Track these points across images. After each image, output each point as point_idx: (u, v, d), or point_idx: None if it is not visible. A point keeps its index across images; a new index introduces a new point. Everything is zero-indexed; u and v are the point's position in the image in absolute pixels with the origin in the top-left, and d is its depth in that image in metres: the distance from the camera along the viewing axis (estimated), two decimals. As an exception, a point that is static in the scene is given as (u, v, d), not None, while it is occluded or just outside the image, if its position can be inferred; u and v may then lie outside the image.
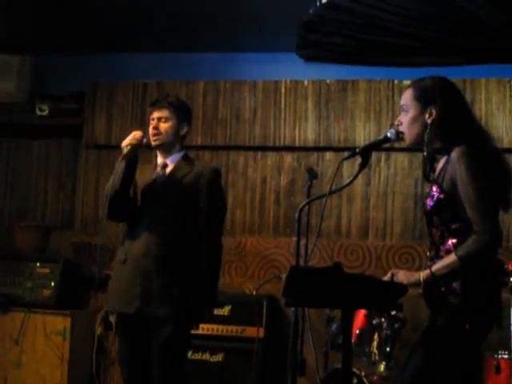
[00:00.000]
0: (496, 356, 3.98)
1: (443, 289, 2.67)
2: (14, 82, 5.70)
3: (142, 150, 3.63)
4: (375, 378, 4.09)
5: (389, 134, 2.88)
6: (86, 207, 5.75)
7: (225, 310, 5.01)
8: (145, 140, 3.57)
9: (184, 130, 3.71)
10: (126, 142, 3.52)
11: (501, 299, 2.71)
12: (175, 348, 3.51)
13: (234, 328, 4.97)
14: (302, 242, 3.58)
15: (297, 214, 3.07)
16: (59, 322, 5.10)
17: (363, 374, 4.02)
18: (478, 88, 5.18)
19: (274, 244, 5.43)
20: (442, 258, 2.71)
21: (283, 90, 5.53)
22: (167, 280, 3.48)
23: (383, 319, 4.19)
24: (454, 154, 2.68)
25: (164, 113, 3.65)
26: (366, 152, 2.87)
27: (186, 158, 3.73)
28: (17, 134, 6.00)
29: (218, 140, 5.61)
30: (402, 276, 2.73)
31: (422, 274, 2.69)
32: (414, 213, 5.28)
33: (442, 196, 2.70)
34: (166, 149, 3.68)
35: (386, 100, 5.37)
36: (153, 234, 3.52)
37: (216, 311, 4.99)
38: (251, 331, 4.93)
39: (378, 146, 2.94)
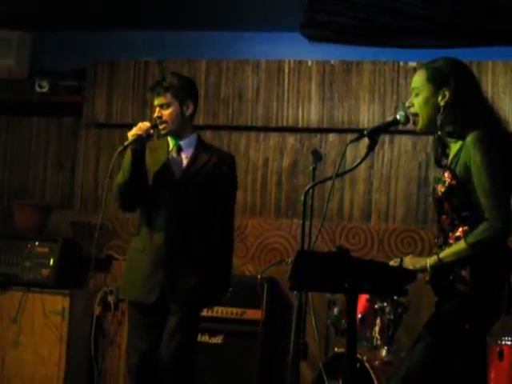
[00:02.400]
0: (499, 342, 3.94)
1: (451, 277, 2.63)
2: (14, 58, 5.63)
3: (150, 140, 3.56)
4: (377, 362, 4.06)
5: (398, 117, 2.83)
6: (86, 186, 5.69)
7: (225, 292, 4.97)
8: (151, 131, 3.49)
9: (190, 110, 3.63)
10: (132, 132, 3.45)
11: (510, 287, 2.67)
12: (186, 332, 3.49)
13: (234, 310, 4.94)
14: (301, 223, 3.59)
15: (302, 197, 3.02)
16: (58, 302, 5.07)
17: (365, 358, 3.99)
18: (484, 71, 5.10)
19: (275, 226, 5.38)
20: (450, 245, 2.67)
21: (287, 70, 5.46)
22: (187, 269, 3.47)
23: (385, 304, 4.15)
24: (469, 139, 2.63)
25: (163, 99, 3.56)
26: (373, 134, 2.82)
27: (200, 142, 3.66)
28: (16, 110, 5.94)
29: (219, 120, 5.55)
30: (409, 261, 2.69)
31: (429, 261, 2.65)
32: (417, 196, 5.23)
33: (453, 182, 2.66)
34: (177, 133, 3.61)
35: (391, 82, 5.29)
36: (173, 223, 3.48)
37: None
38: (251, 313, 4.91)
39: (386, 128, 2.89)
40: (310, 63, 5.43)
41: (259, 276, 4.38)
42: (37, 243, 5.23)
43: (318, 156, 3.51)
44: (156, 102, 3.60)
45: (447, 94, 2.72)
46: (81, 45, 5.73)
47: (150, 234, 3.52)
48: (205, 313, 4.87)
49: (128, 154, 3.47)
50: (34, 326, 5.08)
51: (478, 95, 2.77)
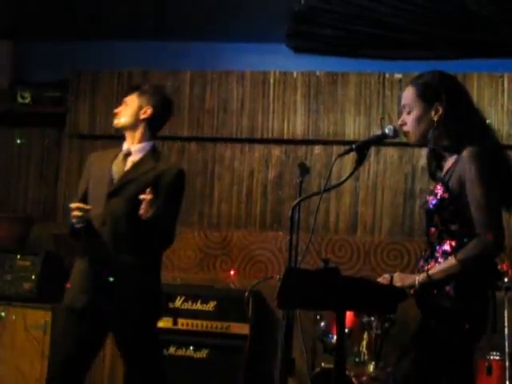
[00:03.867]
0: (488, 357, 3.91)
1: (435, 291, 2.60)
2: (-6, 68, 5.57)
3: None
4: (364, 378, 4.02)
5: (387, 131, 2.80)
6: (68, 198, 5.60)
7: (210, 306, 4.91)
8: (88, 208, 3.35)
9: (146, 114, 3.54)
10: (72, 215, 3.34)
11: (495, 303, 2.64)
12: (145, 344, 3.42)
13: (219, 324, 4.88)
14: (288, 238, 3.52)
15: (290, 212, 2.97)
16: (40, 316, 4.98)
17: (352, 374, 3.94)
18: (469, 83, 5.09)
19: (260, 239, 5.34)
20: (436, 258, 2.64)
21: (272, 82, 5.43)
22: (120, 275, 3.37)
23: (372, 318, 4.11)
24: (465, 154, 2.60)
25: (128, 97, 3.58)
26: (362, 149, 2.78)
27: (154, 151, 3.58)
28: (-2, 121, 5.86)
29: (204, 131, 5.50)
30: (398, 278, 2.65)
31: (418, 278, 2.62)
32: (404, 208, 5.21)
33: (445, 195, 2.63)
34: (129, 132, 3.55)
35: (377, 93, 5.28)
36: (106, 227, 3.39)
37: (201, 306, 4.93)
38: (236, 327, 4.85)
39: (375, 142, 2.87)
40: (295, 74, 5.41)
41: (247, 293, 4.29)
42: (18, 256, 5.14)
43: (304, 169, 3.47)
44: (123, 100, 3.61)
45: (440, 108, 2.69)
46: (63, 55, 5.66)
47: (87, 240, 3.44)
48: (189, 326, 4.88)
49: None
50: (15, 341, 4.99)
51: (470, 107, 2.74)
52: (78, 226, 3.34)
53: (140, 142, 3.54)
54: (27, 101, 5.58)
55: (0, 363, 4.96)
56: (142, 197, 3.25)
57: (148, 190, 3.25)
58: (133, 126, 3.55)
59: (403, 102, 2.78)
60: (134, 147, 3.54)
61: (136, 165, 3.49)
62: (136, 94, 3.57)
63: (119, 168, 3.50)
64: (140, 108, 3.54)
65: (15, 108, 5.63)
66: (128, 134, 3.57)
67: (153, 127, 3.59)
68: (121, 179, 3.46)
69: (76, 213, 3.30)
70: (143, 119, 3.55)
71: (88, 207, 3.34)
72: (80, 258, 3.50)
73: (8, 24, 5.47)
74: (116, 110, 3.60)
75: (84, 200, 3.48)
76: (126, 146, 3.56)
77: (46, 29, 5.53)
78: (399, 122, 2.79)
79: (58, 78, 5.68)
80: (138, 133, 3.55)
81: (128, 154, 3.53)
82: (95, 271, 3.40)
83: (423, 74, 2.80)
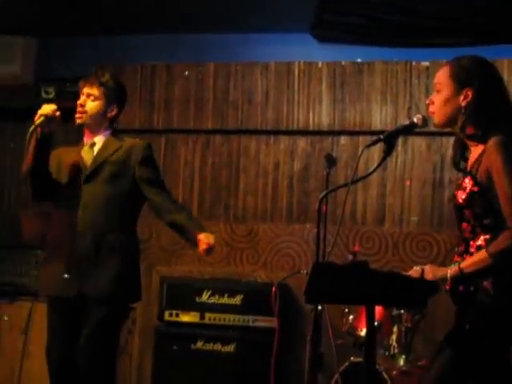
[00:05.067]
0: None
1: (472, 288, 2.52)
2: (19, 64, 5.57)
3: (57, 123, 3.49)
4: (395, 372, 3.95)
5: (415, 120, 2.73)
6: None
7: (237, 300, 4.87)
8: (58, 113, 3.43)
9: (113, 113, 3.60)
10: (38, 114, 3.41)
11: None
12: (105, 333, 3.44)
13: (246, 318, 4.84)
14: (315, 230, 3.46)
15: (317, 205, 2.92)
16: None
17: (382, 368, 3.87)
18: (499, 69, 4.96)
19: (287, 231, 5.28)
20: (471, 254, 2.56)
21: (296, 72, 5.36)
22: (104, 261, 3.42)
23: (402, 311, 4.04)
24: (491, 143, 2.52)
25: (94, 90, 3.56)
26: (390, 139, 2.72)
27: (114, 134, 3.63)
28: (22, 117, 5.83)
29: (229, 124, 5.45)
30: (429, 270, 2.58)
31: (450, 271, 2.54)
32: (432, 199, 5.12)
33: (475, 189, 2.54)
34: (92, 129, 3.58)
35: (404, 82, 5.18)
36: (86, 214, 3.44)
37: (228, 300, 4.89)
38: (264, 321, 4.80)
39: (403, 132, 2.80)
40: (320, 64, 5.33)
41: (274, 288, 4.23)
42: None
43: (331, 161, 3.40)
44: (85, 90, 3.58)
45: (470, 94, 2.61)
46: (87, 50, 5.65)
47: (65, 228, 3.47)
48: (216, 321, 4.85)
49: (30, 135, 3.41)
50: (44, 336, 4.97)
51: (503, 98, 2.65)
52: (38, 120, 3.36)
53: (101, 133, 3.60)
54: (51, 96, 5.57)
55: (29, 359, 4.97)
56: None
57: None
58: (98, 124, 3.58)
59: (436, 80, 2.71)
60: (96, 138, 3.59)
61: (103, 148, 3.55)
62: (103, 90, 3.56)
63: (88, 155, 3.55)
64: (106, 107, 3.57)
65: (39, 104, 5.60)
66: (90, 129, 3.60)
67: (114, 121, 3.66)
68: (93, 163, 3.51)
69: (42, 110, 3.38)
70: (109, 118, 3.61)
71: (54, 107, 3.42)
72: (56, 228, 3.53)
73: (32, 20, 5.46)
74: (80, 102, 3.56)
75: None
76: (87, 139, 3.61)
77: (68, 24, 5.52)
78: (427, 101, 2.72)
79: (82, 73, 5.64)
80: (102, 128, 3.61)
81: (92, 144, 3.58)
82: (78, 256, 3.41)
83: (463, 56, 2.72)
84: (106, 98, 3.57)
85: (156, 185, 3.58)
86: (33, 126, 3.39)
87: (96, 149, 3.57)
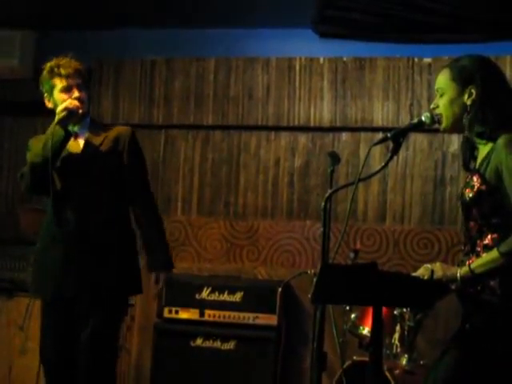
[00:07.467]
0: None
1: (479, 287, 2.49)
2: (17, 58, 5.51)
3: (76, 119, 3.42)
4: (397, 371, 3.92)
5: (423, 118, 2.69)
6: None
7: (236, 297, 4.85)
8: (80, 111, 3.39)
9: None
10: (63, 107, 3.34)
11: None
12: (106, 332, 3.39)
13: (247, 315, 4.81)
14: (315, 227, 3.42)
15: (322, 204, 2.89)
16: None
17: (385, 367, 3.84)
18: (502, 66, 4.93)
19: (287, 228, 5.25)
20: (478, 253, 2.53)
21: (298, 68, 5.32)
22: (102, 257, 3.37)
23: (405, 310, 4.01)
24: (501, 141, 2.49)
25: (79, 80, 3.48)
26: (398, 137, 2.68)
27: (93, 123, 3.56)
28: (20, 111, 5.81)
29: (229, 120, 5.41)
30: (439, 267, 2.53)
31: (460, 271, 2.50)
32: (434, 196, 5.10)
33: (483, 187, 2.51)
34: (80, 119, 3.49)
35: (406, 78, 5.15)
36: (81, 211, 3.38)
37: (228, 297, 4.87)
38: (264, 318, 4.78)
39: (411, 130, 2.76)
40: (321, 60, 5.29)
41: (280, 289, 4.20)
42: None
43: (335, 158, 3.36)
44: (72, 82, 3.46)
45: (474, 91, 2.58)
46: (87, 43, 5.59)
47: (58, 225, 3.38)
48: (216, 318, 4.83)
49: (56, 128, 3.33)
50: (41, 333, 4.96)
51: (507, 92, 2.62)
52: (63, 114, 3.31)
53: (80, 122, 3.49)
54: (50, 90, 5.52)
55: (26, 355, 4.93)
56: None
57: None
58: (87, 112, 3.52)
59: (436, 85, 2.69)
60: (77, 127, 3.48)
61: (90, 139, 3.48)
62: (82, 78, 3.49)
63: (75, 148, 3.47)
64: (88, 92, 3.54)
65: (37, 97, 5.56)
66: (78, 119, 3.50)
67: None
68: (83, 156, 3.45)
69: (68, 104, 3.32)
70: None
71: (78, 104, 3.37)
72: (49, 226, 3.45)
73: (31, 13, 5.41)
74: (77, 96, 3.44)
75: None
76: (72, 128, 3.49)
77: (67, 18, 5.48)
78: (431, 106, 2.69)
79: (81, 67, 5.62)
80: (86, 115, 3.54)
81: (76, 135, 3.49)
82: (77, 253, 3.36)
83: (461, 57, 2.69)
84: (86, 86, 3.55)
85: (138, 184, 3.56)
86: (56, 119, 3.33)
87: (81, 140, 3.49)
